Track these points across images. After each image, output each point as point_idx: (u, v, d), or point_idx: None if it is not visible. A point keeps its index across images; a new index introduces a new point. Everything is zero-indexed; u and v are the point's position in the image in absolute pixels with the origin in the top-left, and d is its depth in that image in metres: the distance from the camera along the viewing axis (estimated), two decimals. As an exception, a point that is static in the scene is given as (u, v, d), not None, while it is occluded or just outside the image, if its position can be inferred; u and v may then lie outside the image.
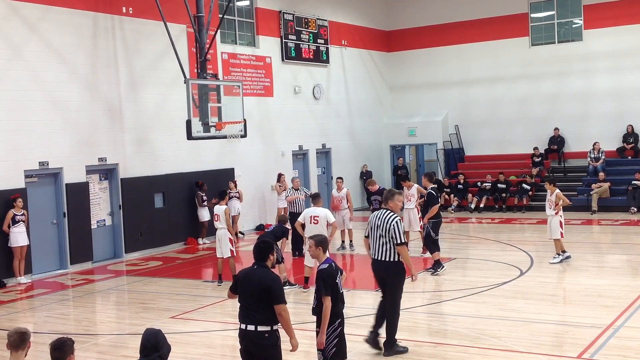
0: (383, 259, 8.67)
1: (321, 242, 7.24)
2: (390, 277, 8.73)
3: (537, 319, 10.34)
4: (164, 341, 5.44)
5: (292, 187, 18.96)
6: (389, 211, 8.76)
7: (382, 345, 8.81)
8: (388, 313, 8.75)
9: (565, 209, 15.05)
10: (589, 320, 10.10)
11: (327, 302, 6.93)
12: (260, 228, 21.57)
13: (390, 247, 8.61)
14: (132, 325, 11.23)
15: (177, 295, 13.17)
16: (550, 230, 14.65)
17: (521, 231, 20.10)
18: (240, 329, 6.45)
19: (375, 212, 8.93)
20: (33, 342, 5.78)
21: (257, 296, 6.36)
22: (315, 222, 12.56)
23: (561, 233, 14.53)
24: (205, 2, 17.01)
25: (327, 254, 7.29)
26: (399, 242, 8.56)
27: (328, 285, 6.97)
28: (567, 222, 14.57)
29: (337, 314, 7.06)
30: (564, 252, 14.62)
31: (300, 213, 17.70)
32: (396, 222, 8.61)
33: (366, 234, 9.05)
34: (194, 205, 19.33)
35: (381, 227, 8.65)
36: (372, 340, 8.85)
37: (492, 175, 24.57)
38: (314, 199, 13.48)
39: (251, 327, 6.34)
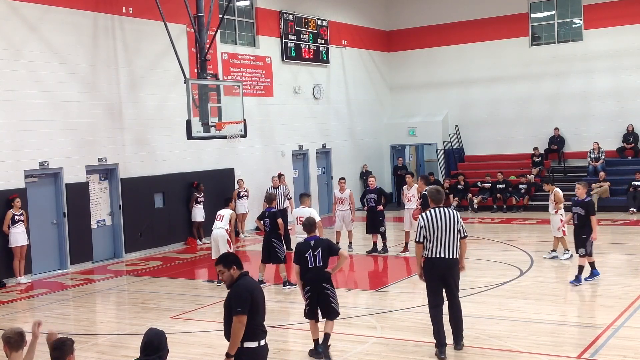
0: (452, 256, 8.61)
1: (304, 225, 9.07)
2: (457, 274, 8.81)
3: (537, 319, 10.33)
4: (165, 343, 5.45)
5: (272, 186, 18.54)
6: (445, 208, 8.70)
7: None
8: (458, 308, 8.85)
9: (567, 208, 15.11)
10: (589, 320, 10.10)
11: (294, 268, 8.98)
12: (259, 229, 21.50)
13: (457, 243, 8.63)
14: (132, 325, 11.23)
15: (177, 295, 13.17)
16: (552, 229, 14.95)
17: (521, 231, 20.11)
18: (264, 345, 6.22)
19: (432, 212, 8.62)
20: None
21: None
22: (301, 222, 12.54)
23: (563, 231, 14.65)
24: (205, 2, 16.99)
25: (314, 233, 9.03)
26: (466, 234, 8.80)
27: (296, 256, 8.80)
28: (567, 222, 14.55)
29: (306, 283, 8.72)
30: (567, 250, 14.74)
31: (283, 209, 17.72)
32: (459, 215, 8.81)
33: (420, 239, 8.63)
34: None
35: (452, 223, 8.57)
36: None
37: (491, 175, 24.58)
38: (301, 198, 13.41)
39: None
